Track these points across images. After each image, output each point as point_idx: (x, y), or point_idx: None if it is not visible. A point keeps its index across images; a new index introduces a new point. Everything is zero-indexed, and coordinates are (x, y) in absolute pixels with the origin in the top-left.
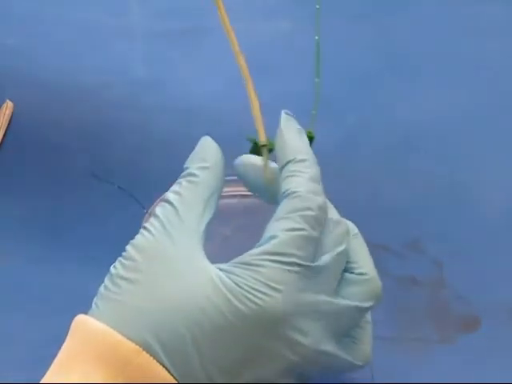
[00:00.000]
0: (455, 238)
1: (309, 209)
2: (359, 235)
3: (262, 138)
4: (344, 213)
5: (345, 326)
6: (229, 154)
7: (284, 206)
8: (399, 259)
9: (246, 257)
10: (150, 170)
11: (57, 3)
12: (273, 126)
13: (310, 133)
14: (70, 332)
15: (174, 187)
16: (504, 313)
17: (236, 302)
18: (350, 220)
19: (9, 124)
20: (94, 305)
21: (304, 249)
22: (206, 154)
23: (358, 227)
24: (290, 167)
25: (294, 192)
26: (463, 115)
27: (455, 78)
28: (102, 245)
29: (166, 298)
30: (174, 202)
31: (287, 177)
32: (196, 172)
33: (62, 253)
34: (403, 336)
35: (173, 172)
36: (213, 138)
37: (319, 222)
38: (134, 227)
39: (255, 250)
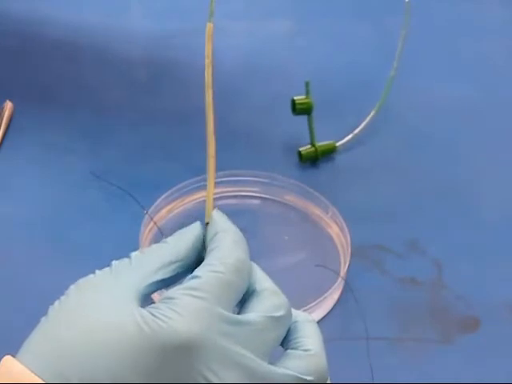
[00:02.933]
0: (455, 239)
1: (228, 257)
2: (314, 323)
3: (210, 200)
4: (344, 213)
5: None
6: (226, 152)
7: (207, 258)
8: (399, 260)
9: (170, 292)
10: (149, 170)
11: (57, 4)
12: (272, 125)
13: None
14: None
15: (143, 248)
16: (503, 313)
17: (147, 329)
18: (348, 220)
19: (9, 124)
20: (25, 341)
21: (221, 290)
22: (187, 231)
23: (358, 228)
24: (215, 236)
25: (216, 247)
26: (463, 115)
27: (455, 77)
28: (102, 245)
29: (87, 331)
30: (132, 256)
31: (211, 242)
32: (168, 240)
33: (62, 253)
34: (403, 336)
35: (172, 172)
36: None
37: (239, 271)
38: (133, 227)
39: (178, 286)
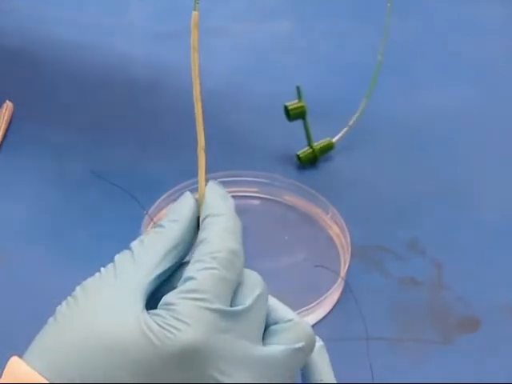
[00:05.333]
0: (454, 239)
1: (219, 251)
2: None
3: (202, 191)
4: (344, 214)
5: (279, 371)
6: (226, 153)
7: (197, 252)
8: (399, 260)
9: (168, 297)
10: (150, 170)
11: (57, 4)
12: (272, 125)
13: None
14: (3, 373)
15: (141, 236)
16: (503, 313)
17: (155, 340)
18: (348, 220)
19: (9, 124)
20: (32, 342)
21: (217, 287)
22: (180, 208)
23: (358, 228)
24: (206, 220)
25: (206, 238)
26: (463, 115)
27: (455, 78)
28: (102, 245)
29: (95, 338)
30: (133, 248)
31: (202, 228)
32: (164, 224)
33: (62, 253)
34: (403, 336)
35: (172, 173)
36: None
37: (232, 263)
38: (133, 227)
39: (175, 290)
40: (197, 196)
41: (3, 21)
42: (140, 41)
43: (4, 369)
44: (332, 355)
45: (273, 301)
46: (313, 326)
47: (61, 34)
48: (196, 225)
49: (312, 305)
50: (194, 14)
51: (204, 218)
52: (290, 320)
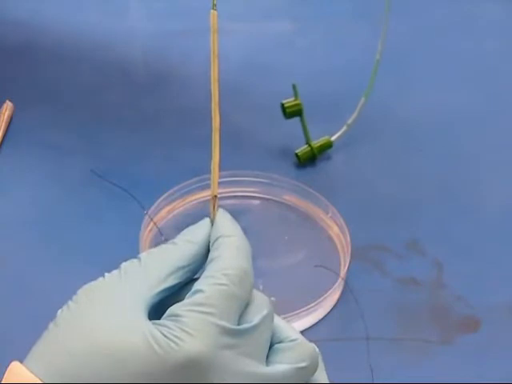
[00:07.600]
0: (455, 239)
1: (230, 268)
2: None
3: (215, 191)
4: (344, 213)
5: None
6: (225, 152)
7: (208, 268)
8: (399, 260)
9: (175, 309)
10: (150, 170)
11: (57, 4)
12: (272, 124)
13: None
14: (4, 378)
15: (152, 249)
16: (503, 313)
17: (159, 350)
18: (348, 220)
19: (9, 124)
20: (34, 347)
21: (226, 303)
22: (197, 231)
23: (358, 228)
24: (218, 241)
25: (218, 256)
26: (463, 115)
27: (455, 77)
28: (101, 245)
29: (98, 346)
30: (142, 257)
31: (213, 248)
32: (178, 242)
33: (62, 253)
34: (403, 336)
35: (173, 172)
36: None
37: (242, 281)
38: (133, 227)
39: (183, 302)
40: (208, 193)
41: (3, 21)
42: (140, 41)
43: (4, 371)
44: (332, 355)
45: (278, 320)
46: (313, 326)
47: (61, 34)
48: (208, 250)
49: (312, 305)
50: (213, 13)
51: (215, 239)
52: (294, 340)
